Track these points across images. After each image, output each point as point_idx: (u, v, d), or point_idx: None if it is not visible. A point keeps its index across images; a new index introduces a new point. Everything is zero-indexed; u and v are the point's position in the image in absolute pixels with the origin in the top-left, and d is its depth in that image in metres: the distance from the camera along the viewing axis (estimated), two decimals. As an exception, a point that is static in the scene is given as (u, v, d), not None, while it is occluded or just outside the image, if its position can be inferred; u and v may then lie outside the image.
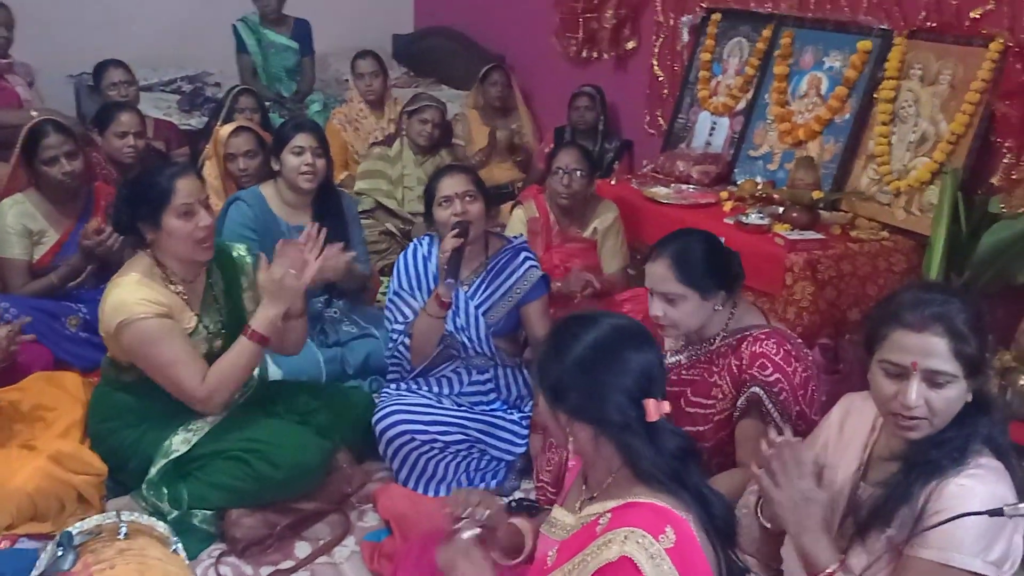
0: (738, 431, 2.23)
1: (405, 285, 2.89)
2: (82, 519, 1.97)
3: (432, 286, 2.85)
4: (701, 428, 2.29)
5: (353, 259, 3.07)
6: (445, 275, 2.65)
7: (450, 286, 2.65)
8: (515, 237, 3.07)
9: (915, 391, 1.53)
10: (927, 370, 1.53)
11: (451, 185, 2.81)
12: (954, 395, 1.54)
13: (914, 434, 1.58)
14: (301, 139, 3.13)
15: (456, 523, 1.74)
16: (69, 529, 1.88)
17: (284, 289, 2.41)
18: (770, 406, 2.15)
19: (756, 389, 2.16)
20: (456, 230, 2.70)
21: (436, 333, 2.77)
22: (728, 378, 2.23)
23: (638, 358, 1.54)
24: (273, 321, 2.43)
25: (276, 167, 3.19)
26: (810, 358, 2.26)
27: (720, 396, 2.25)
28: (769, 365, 2.17)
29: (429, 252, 2.92)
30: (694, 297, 2.21)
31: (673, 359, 2.39)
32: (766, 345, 2.19)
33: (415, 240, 3.01)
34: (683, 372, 2.35)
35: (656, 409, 1.51)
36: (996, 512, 1.39)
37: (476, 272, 2.89)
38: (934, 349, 1.52)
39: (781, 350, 2.18)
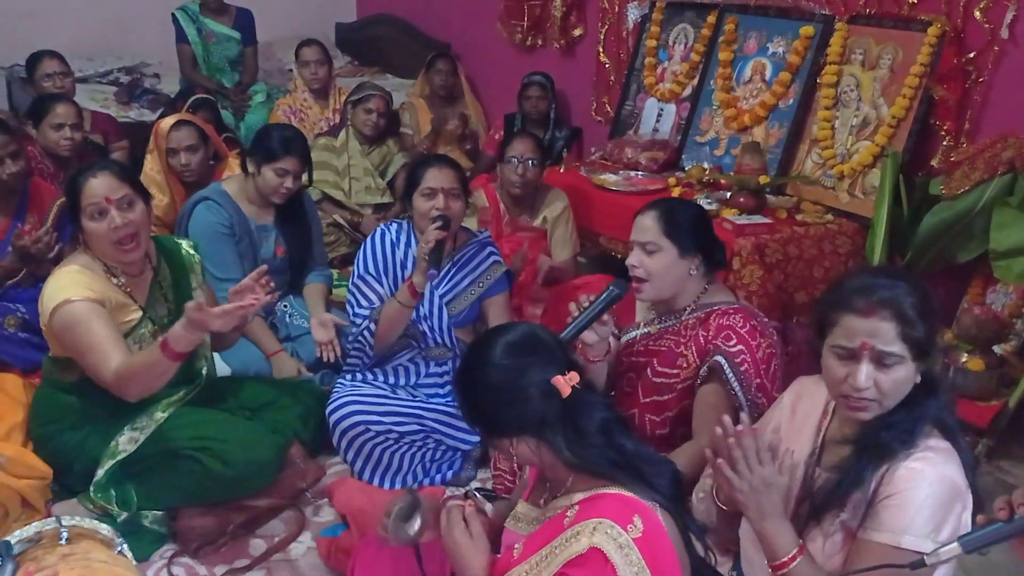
0: (697, 397, 2.29)
1: (371, 270, 2.86)
2: (26, 525, 1.91)
3: (399, 273, 2.83)
4: (666, 397, 2.34)
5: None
6: (427, 265, 2.62)
7: (432, 276, 2.64)
8: (480, 231, 3.07)
9: (864, 372, 1.56)
10: (875, 351, 1.56)
11: (438, 178, 2.75)
12: (902, 376, 1.57)
13: (864, 415, 1.60)
14: (288, 163, 3.07)
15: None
16: (7, 538, 1.82)
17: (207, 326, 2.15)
18: (730, 375, 2.20)
19: (719, 358, 2.22)
20: (439, 223, 2.66)
21: (403, 322, 2.75)
22: (694, 348, 2.29)
23: (536, 357, 1.57)
24: (191, 342, 2.18)
25: (251, 170, 3.12)
26: (775, 336, 2.32)
27: (685, 365, 2.30)
28: (734, 336, 2.23)
29: (398, 238, 2.89)
30: (672, 252, 2.28)
31: (643, 330, 2.43)
32: (733, 319, 2.26)
33: (383, 225, 2.98)
34: (651, 343, 2.40)
35: (566, 383, 1.53)
36: (917, 564, 1.42)
37: (443, 263, 2.87)
38: (882, 332, 1.56)
39: (748, 324, 2.24)
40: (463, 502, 1.68)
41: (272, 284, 2.39)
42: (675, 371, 2.32)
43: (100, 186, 2.30)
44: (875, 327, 1.56)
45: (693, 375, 2.29)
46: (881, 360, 1.56)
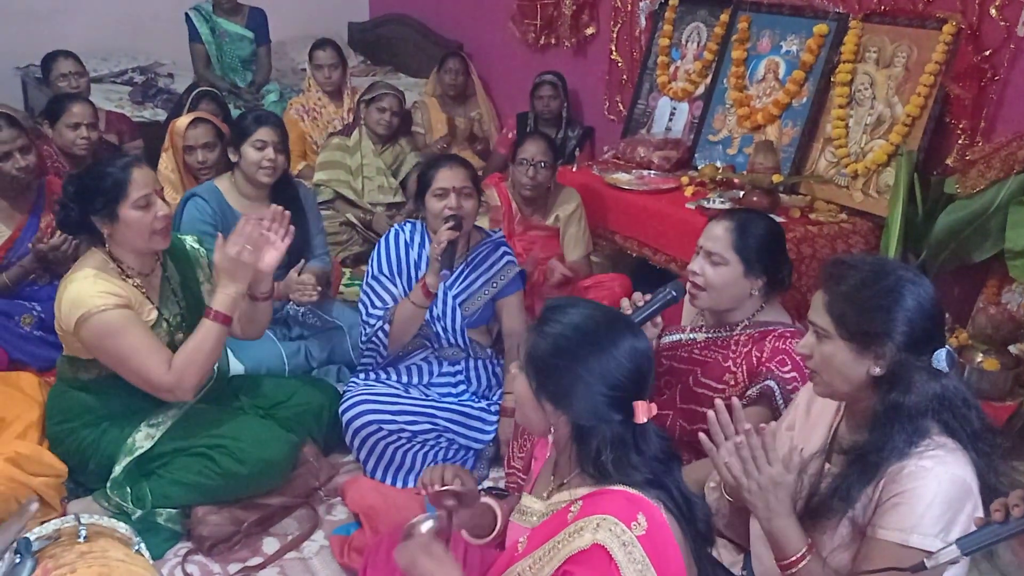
0: None
1: (385, 270, 2.86)
2: (42, 523, 1.92)
3: (413, 273, 2.83)
4: (704, 410, 2.27)
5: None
6: (439, 266, 2.62)
7: (444, 277, 2.64)
8: (494, 231, 3.06)
9: (804, 338, 1.69)
10: (811, 320, 1.67)
11: (449, 178, 2.75)
12: (828, 351, 1.63)
13: (816, 388, 1.70)
14: (263, 133, 3.07)
15: (432, 497, 1.72)
16: (27, 535, 1.83)
17: (241, 266, 2.34)
18: (780, 402, 2.16)
19: (771, 383, 2.17)
20: (451, 223, 2.66)
21: (417, 322, 2.76)
22: (745, 367, 2.23)
23: (629, 354, 1.51)
24: (234, 300, 2.36)
25: (234, 159, 3.14)
26: None
27: (732, 383, 2.25)
28: (789, 362, 2.18)
29: (412, 239, 2.90)
30: (737, 268, 2.21)
31: (689, 336, 2.38)
32: (790, 343, 2.20)
33: (397, 225, 2.98)
34: (696, 351, 2.34)
35: (646, 412, 1.50)
36: (918, 567, 1.42)
37: (456, 263, 2.87)
38: (816, 302, 1.66)
39: None
40: (457, 491, 1.66)
41: (288, 217, 2.45)
42: (720, 386, 2.27)
43: (146, 177, 2.35)
44: (816, 298, 1.67)
45: (739, 394, 2.23)
46: (815, 329, 1.65)
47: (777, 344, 2.20)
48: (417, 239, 2.89)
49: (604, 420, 1.50)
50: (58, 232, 3.08)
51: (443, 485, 1.69)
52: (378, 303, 2.83)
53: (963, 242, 2.93)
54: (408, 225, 2.95)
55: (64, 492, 2.48)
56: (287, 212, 2.46)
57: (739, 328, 2.29)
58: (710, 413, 1.66)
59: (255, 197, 3.17)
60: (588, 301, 1.62)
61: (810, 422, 1.81)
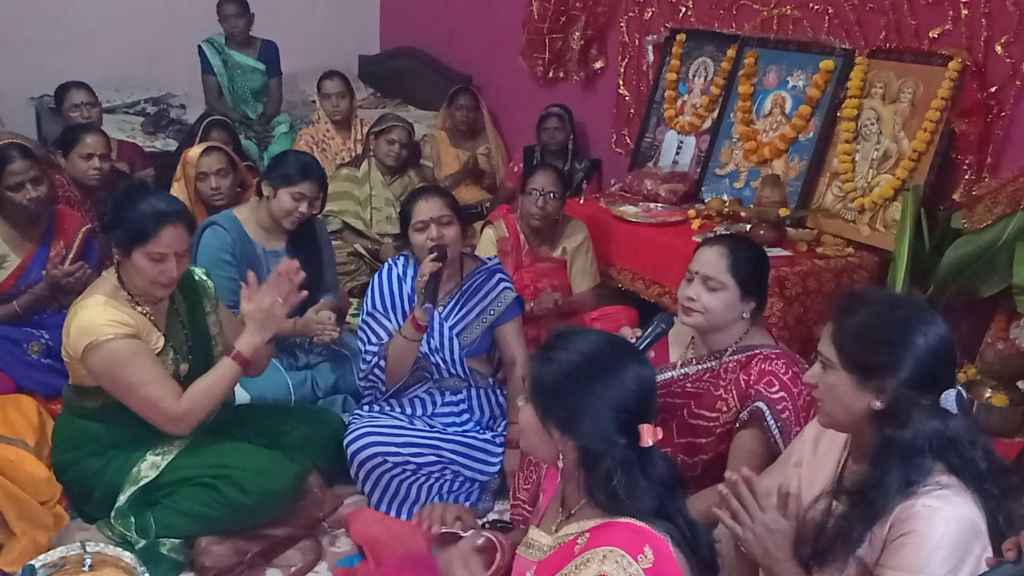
0: (734, 442, 2.25)
1: (379, 306, 2.87)
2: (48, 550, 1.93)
3: (407, 307, 2.84)
4: (703, 440, 2.30)
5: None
6: (423, 299, 2.64)
7: (428, 311, 2.65)
8: (489, 259, 3.07)
9: (812, 368, 1.72)
10: (819, 350, 1.69)
11: (426, 209, 2.79)
12: (832, 381, 1.64)
13: (819, 418, 1.73)
14: (305, 187, 3.08)
15: (434, 540, 1.73)
16: (31, 562, 1.84)
17: (272, 317, 2.41)
18: (771, 422, 2.17)
19: (760, 404, 2.19)
20: (434, 254, 2.69)
21: (411, 356, 2.76)
22: (735, 392, 2.25)
23: (634, 378, 1.55)
24: (259, 348, 2.44)
25: (267, 193, 3.13)
26: None
27: (724, 409, 2.27)
28: (776, 383, 2.20)
29: (404, 272, 2.90)
30: (734, 292, 2.24)
31: (681, 371, 2.39)
32: (776, 364, 2.22)
33: (390, 260, 2.99)
34: (688, 384, 2.36)
35: (651, 435, 1.52)
36: None
37: (450, 293, 2.88)
38: (825, 332, 1.69)
39: (790, 371, 2.21)
40: (459, 535, 1.67)
41: (302, 272, 2.48)
42: (714, 414, 2.28)
43: (175, 239, 2.34)
44: (825, 328, 1.69)
45: (733, 419, 2.25)
46: (822, 359, 1.67)
47: (763, 366, 2.23)
48: (410, 272, 2.89)
49: (611, 443, 1.51)
50: (71, 259, 3.11)
51: (443, 526, 1.70)
52: (374, 339, 2.83)
53: (970, 277, 2.93)
54: (401, 259, 2.96)
55: (66, 519, 2.47)
56: (301, 271, 2.49)
57: (727, 355, 2.31)
58: (720, 487, 1.66)
59: (273, 231, 3.19)
60: (590, 329, 1.64)
61: (817, 458, 1.80)
